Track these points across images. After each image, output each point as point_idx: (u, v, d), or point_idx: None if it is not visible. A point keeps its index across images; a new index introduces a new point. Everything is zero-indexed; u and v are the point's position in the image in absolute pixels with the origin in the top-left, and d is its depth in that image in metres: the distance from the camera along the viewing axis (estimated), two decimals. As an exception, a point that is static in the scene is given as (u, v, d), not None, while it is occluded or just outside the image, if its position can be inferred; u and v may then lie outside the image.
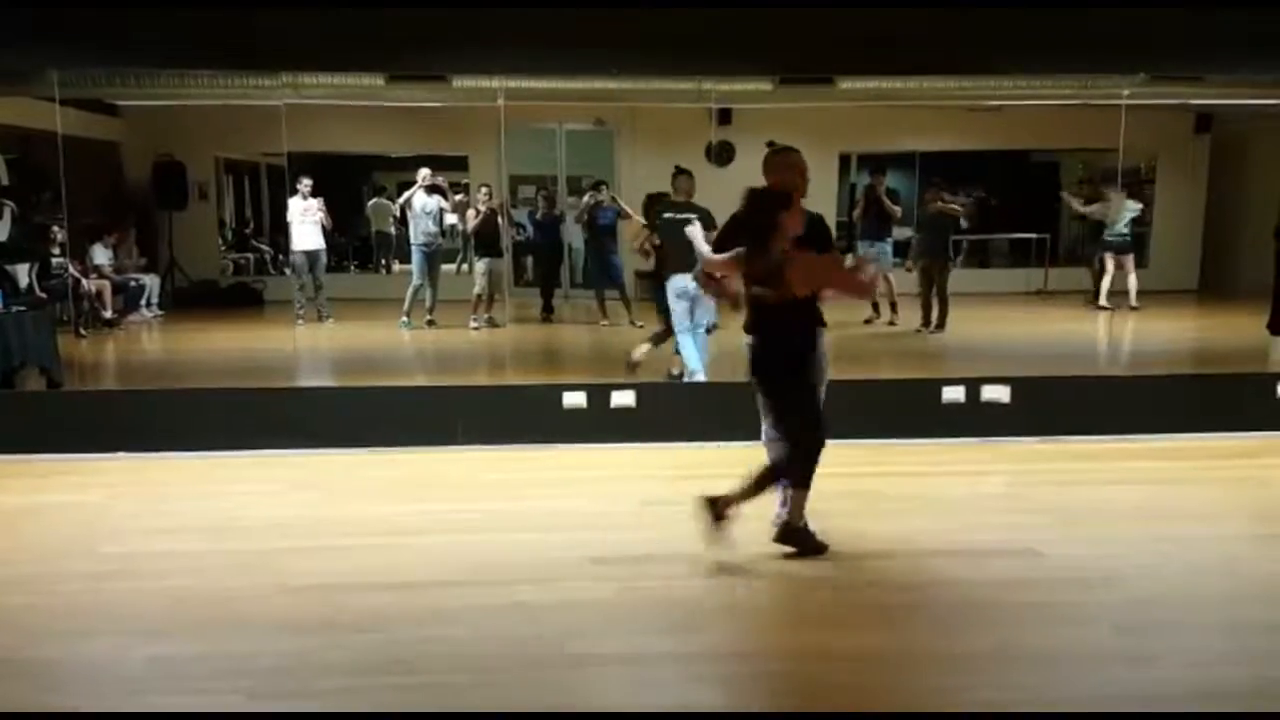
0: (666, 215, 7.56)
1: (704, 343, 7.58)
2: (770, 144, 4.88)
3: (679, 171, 7.87)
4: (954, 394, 6.83)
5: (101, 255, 11.28)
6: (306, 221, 11.33)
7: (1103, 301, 11.40)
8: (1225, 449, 6.60)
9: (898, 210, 11.22)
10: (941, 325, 10.58)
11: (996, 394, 6.83)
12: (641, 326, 10.12)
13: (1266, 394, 7.06)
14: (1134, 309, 11.54)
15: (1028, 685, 3.53)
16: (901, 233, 12.22)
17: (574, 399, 6.70)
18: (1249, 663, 3.68)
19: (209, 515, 5.31)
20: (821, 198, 13.57)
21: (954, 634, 3.93)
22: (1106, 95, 8.71)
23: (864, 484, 5.67)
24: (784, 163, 4.78)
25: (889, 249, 11.22)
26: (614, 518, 5.20)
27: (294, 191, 11.24)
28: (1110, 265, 11.50)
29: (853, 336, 10.60)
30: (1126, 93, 8.36)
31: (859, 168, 14.38)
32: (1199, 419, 6.90)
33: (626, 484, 5.81)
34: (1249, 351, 8.56)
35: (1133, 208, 11.95)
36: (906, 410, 6.80)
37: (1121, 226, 11.69)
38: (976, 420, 6.78)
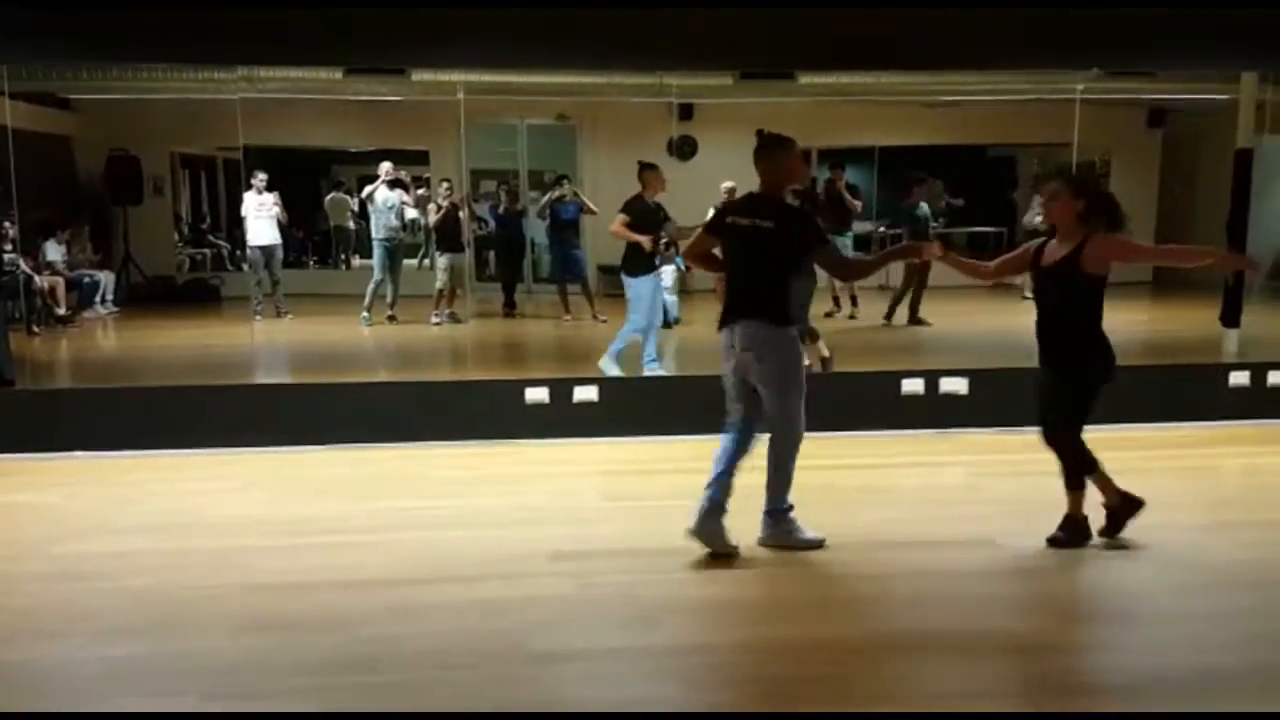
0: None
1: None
2: (760, 133, 4.74)
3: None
4: (913, 386, 6.90)
5: (54, 251, 11.11)
6: (262, 216, 11.21)
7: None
8: (1179, 439, 6.71)
9: (858, 204, 11.31)
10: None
11: (955, 386, 6.91)
12: (605, 321, 10.14)
13: (1219, 384, 7.20)
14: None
15: (986, 675, 3.57)
16: (861, 226, 12.31)
17: (536, 394, 6.70)
18: (1200, 651, 3.74)
19: (166, 514, 5.25)
20: (782, 192, 13.70)
21: (913, 625, 3.97)
22: (1060, 91, 8.83)
23: (824, 476, 5.70)
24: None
25: (849, 242, 11.29)
26: (576, 513, 5.20)
27: (249, 186, 11.12)
28: None
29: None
30: (1080, 88, 8.48)
31: (820, 162, 14.47)
32: (1153, 409, 7.00)
33: (589, 479, 5.82)
34: (1202, 343, 8.70)
35: None
36: (866, 402, 6.86)
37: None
38: (935, 412, 6.86)
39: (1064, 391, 4.67)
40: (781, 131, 4.70)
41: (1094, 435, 6.72)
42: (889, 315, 10.84)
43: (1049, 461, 6.25)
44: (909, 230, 10.90)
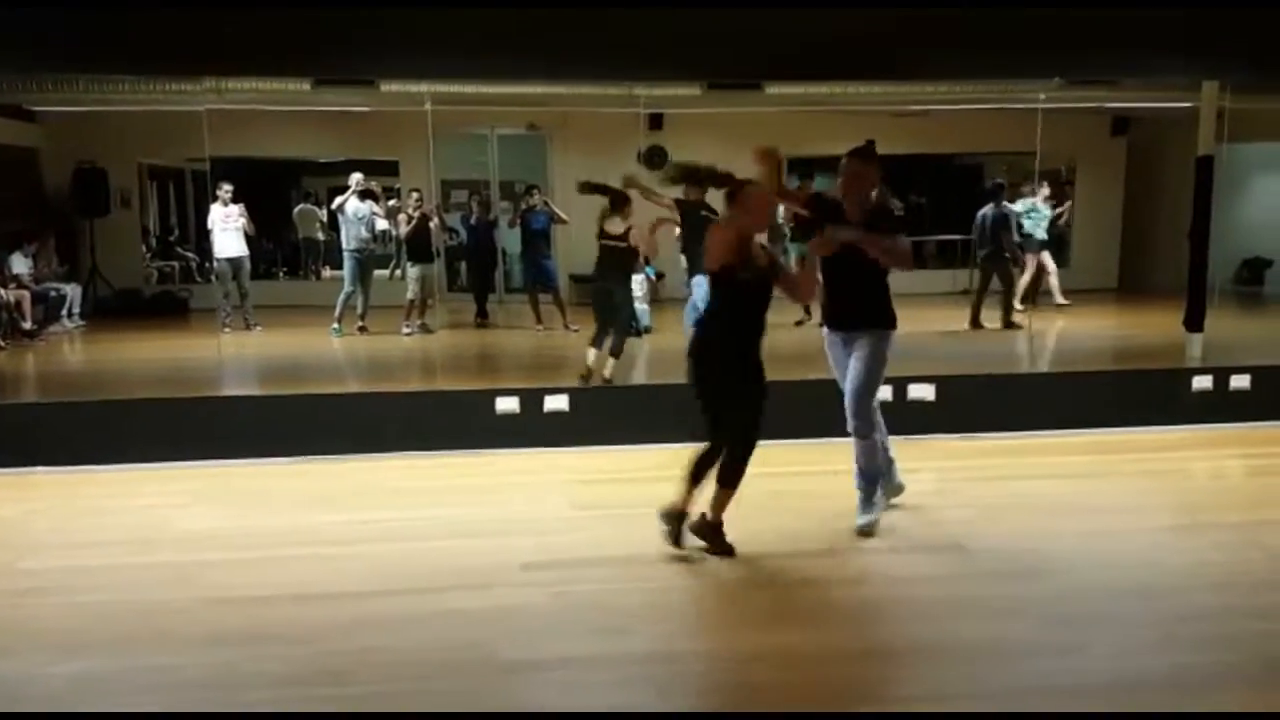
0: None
1: None
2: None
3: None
4: (882, 393, 6.91)
5: (20, 264, 10.98)
6: (229, 228, 11.11)
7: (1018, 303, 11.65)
8: (1145, 443, 6.77)
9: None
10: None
11: (922, 392, 6.95)
12: (577, 331, 10.12)
13: (1183, 388, 7.28)
14: (1062, 306, 11.82)
15: (956, 678, 3.59)
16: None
17: (507, 404, 6.68)
18: (1169, 652, 3.78)
19: (131, 528, 5.19)
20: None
21: (883, 630, 3.99)
22: (1024, 100, 8.93)
23: (794, 483, 5.73)
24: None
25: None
26: (546, 522, 5.19)
27: (216, 198, 11.05)
28: (1031, 265, 11.72)
29: (784, 338, 10.70)
30: (1043, 96, 8.58)
31: (788, 171, 14.52)
32: (1119, 414, 7.08)
33: (559, 488, 5.81)
34: (1167, 348, 8.80)
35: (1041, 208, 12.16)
36: (836, 410, 6.87)
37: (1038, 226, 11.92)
38: (903, 418, 6.87)
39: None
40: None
41: (1061, 439, 6.82)
42: (974, 322, 10.84)
43: (1015, 466, 6.33)
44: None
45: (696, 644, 3.94)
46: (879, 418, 5.13)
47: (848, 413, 5.00)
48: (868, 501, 5.09)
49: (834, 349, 5.12)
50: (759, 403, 4.62)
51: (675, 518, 4.65)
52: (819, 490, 5.67)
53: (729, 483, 4.61)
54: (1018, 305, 11.11)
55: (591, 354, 7.63)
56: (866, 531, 4.97)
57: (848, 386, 5.02)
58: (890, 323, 5.01)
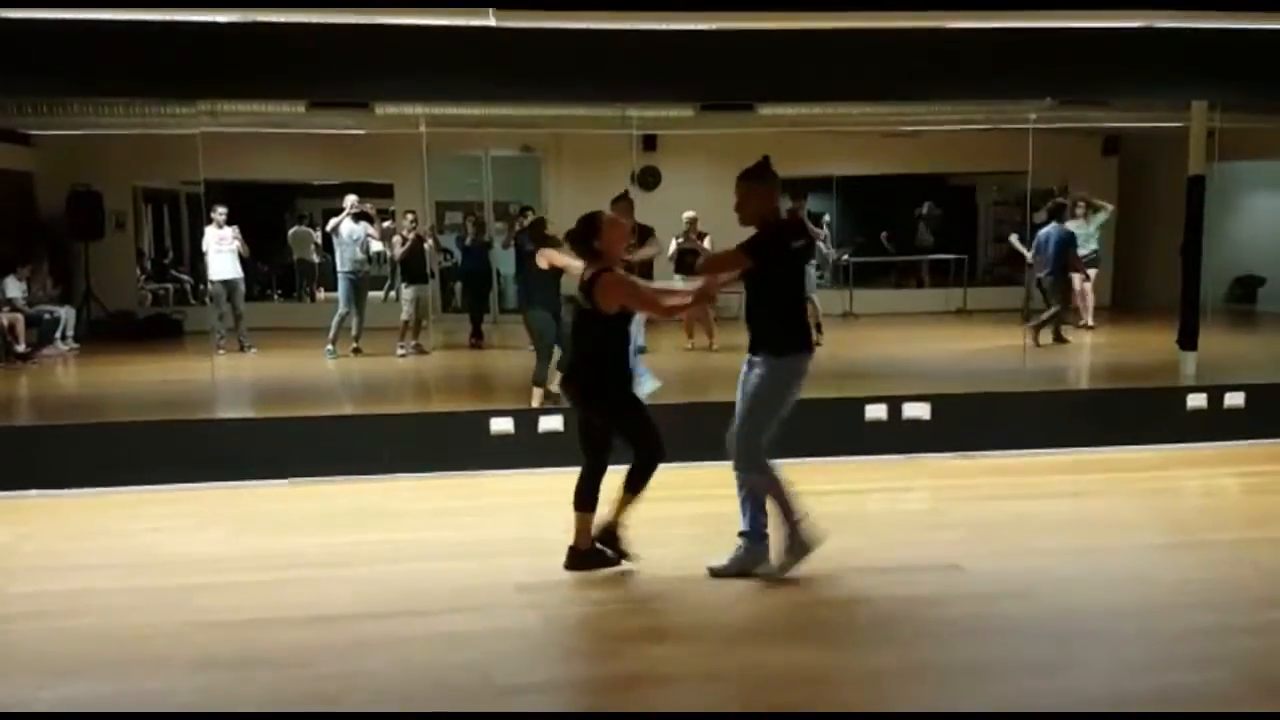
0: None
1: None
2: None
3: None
4: (876, 412, 6.94)
5: (14, 288, 10.97)
6: (223, 250, 11.12)
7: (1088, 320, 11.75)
8: (1138, 461, 6.78)
9: (821, 232, 11.40)
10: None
11: (917, 411, 6.95)
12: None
13: (1177, 407, 7.29)
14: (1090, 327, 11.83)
15: (949, 697, 3.58)
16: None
17: (501, 424, 6.67)
18: (1164, 670, 3.78)
19: (122, 552, 5.17)
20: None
21: (879, 649, 3.97)
22: (1015, 120, 8.97)
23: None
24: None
25: (813, 270, 11.36)
26: (541, 544, 5.16)
27: (210, 220, 11.06)
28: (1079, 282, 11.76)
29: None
30: (1033, 116, 8.62)
31: (781, 192, 14.56)
32: (1113, 433, 7.09)
33: (554, 509, 5.76)
34: (1160, 366, 8.82)
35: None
36: (830, 429, 6.89)
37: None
38: (898, 437, 6.90)
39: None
40: (744, 162, 4.77)
41: (1055, 458, 6.82)
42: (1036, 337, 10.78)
43: (1010, 485, 6.33)
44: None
45: (692, 666, 3.92)
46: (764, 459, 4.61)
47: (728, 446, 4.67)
48: (750, 541, 4.65)
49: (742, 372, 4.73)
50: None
51: (610, 536, 4.67)
52: (811, 510, 5.66)
53: (636, 488, 4.63)
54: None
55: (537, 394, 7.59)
56: (714, 571, 4.64)
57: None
58: (776, 349, 4.56)
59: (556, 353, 7.52)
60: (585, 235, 4.69)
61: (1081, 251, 11.62)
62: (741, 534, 4.67)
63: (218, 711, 3.46)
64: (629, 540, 4.70)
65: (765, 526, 4.66)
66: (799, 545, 4.62)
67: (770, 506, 4.63)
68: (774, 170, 4.75)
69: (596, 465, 4.72)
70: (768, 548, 4.66)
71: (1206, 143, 8.23)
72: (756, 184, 4.71)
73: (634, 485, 4.60)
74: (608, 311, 4.59)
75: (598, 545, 4.70)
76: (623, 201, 7.94)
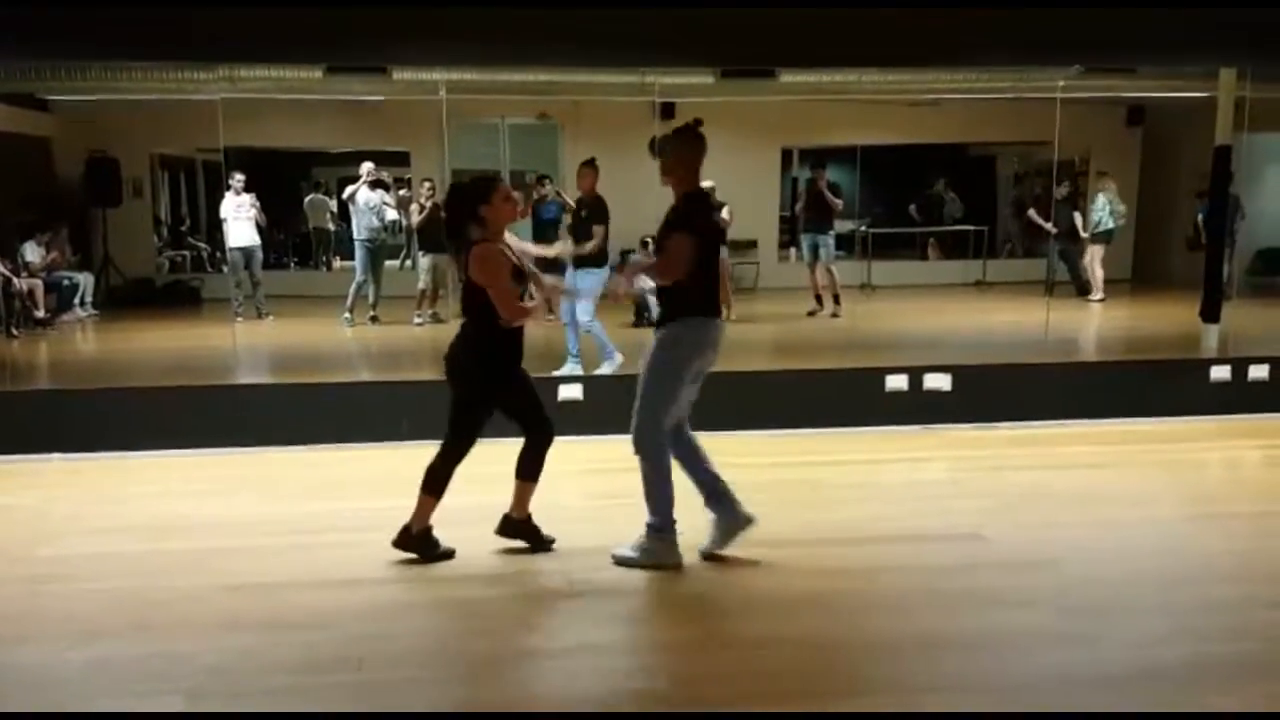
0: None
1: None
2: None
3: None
4: (897, 382, 6.91)
5: (33, 254, 11.01)
6: (240, 218, 11.13)
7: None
8: (1161, 433, 6.75)
9: (839, 203, 11.31)
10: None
11: (938, 382, 6.93)
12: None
13: (1200, 379, 7.25)
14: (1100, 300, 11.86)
15: (972, 669, 3.58)
16: (842, 225, 12.34)
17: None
18: (1186, 641, 3.76)
19: (147, 516, 5.20)
20: (764, 191, 13.75)
21: (902, 619, 3.97)
22: (1040, 89, 8.86)
23: (811, 473, 5.72)
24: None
25: (831, 241, 11.30)
26: (560, 511, 5.16)
27: (229, 187, 11.06)
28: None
29: (797, 328, 10.71)
30: (1060, 83, 8.51)
31: (801, 161, 14.48)
32: (1135, 404, 7.05)
33: (572, 477, 5.79)
34: (1182, 338, 8.76)
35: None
36: (852, 399, 6.87)
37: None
38: (919, 408, 6.87)
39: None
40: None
41: (1077, 430, 6.78)
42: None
43: (1031, 456, 6.31)
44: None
45: (709, 631, 3.93)
46: (666, 438, 4.49)
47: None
48: (651, 534, 4.47)
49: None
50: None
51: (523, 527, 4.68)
52: (830, 480, 5.66)
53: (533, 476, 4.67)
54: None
55: None
56: (618, 560, 4.48)
57: None
58: (680, 315, 4.35)
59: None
60: (473, 198, 4.37)
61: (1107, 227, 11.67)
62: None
63: (225, 712, 3.46)
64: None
65: (736, 504, 4.48)
66: (723, 532, 4.49)
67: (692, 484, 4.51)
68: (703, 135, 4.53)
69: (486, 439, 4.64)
70: (745, 516, 4.48)
71: (1235, 113, 8.12)
72: (691, 147, 4.55)
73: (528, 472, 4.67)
74: (479, 284, 4.36)
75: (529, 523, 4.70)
76: (589, 167, 8.01)
